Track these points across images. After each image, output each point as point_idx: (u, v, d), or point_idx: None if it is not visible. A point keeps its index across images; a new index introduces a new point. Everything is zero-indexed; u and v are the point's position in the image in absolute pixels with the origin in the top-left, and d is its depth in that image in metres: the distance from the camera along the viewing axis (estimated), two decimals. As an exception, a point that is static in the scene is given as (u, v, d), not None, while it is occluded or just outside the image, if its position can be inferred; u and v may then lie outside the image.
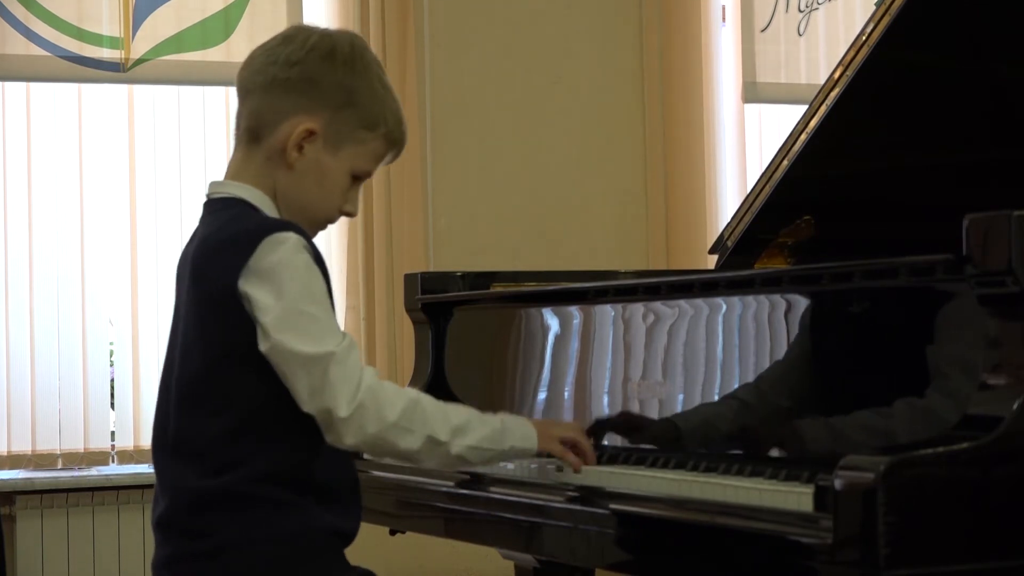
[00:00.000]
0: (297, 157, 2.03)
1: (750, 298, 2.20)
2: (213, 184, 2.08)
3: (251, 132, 2.07)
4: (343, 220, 2.17)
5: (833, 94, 2.68)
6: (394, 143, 2.10)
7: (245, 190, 2.04)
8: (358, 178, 2.09)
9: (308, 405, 1.93)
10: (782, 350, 2.13)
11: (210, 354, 1.97)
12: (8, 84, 4.62)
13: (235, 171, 2.07)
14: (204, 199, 2.09)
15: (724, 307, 2.24)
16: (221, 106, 4.79)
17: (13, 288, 4.61)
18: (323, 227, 2.11)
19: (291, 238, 1.94)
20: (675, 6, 5.18)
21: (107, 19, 4.62)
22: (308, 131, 2.02)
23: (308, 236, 1.97)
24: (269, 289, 1.91)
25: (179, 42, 4.68)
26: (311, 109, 2.03)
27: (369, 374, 1.95)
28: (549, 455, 2.21)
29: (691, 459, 2.17)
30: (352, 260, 4.74)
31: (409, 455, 2.00)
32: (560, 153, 5.11)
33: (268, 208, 2.03)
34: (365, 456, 2.67)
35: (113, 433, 4.69)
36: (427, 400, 2.01)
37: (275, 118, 2.04)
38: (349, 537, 2.03)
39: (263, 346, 1.92)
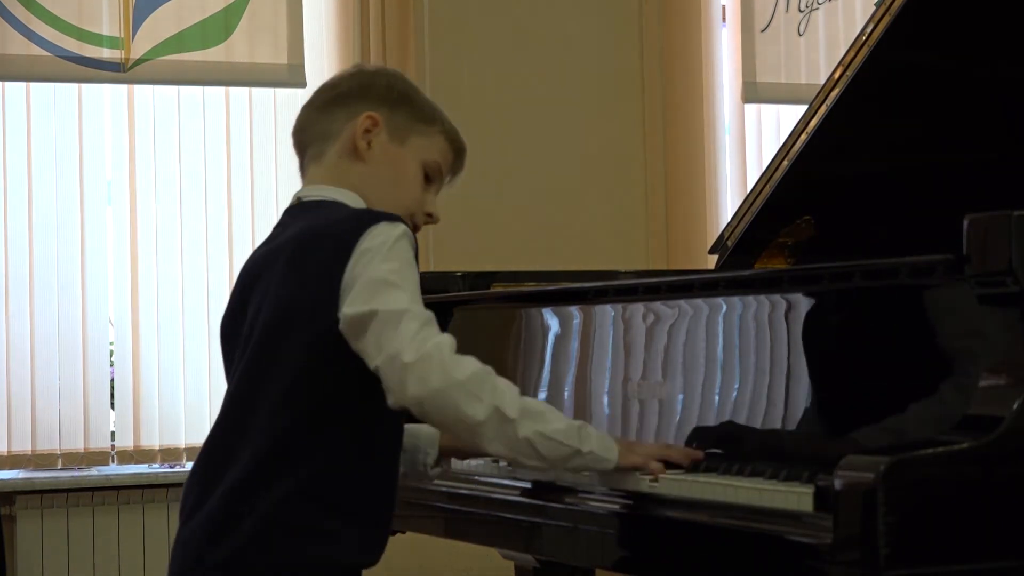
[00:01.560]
0: (366, 148, 2.08)
1: (750, 298, 2.20)
2: (305, 188, 2.11)
3: (318, 150, 2.11)
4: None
5: (833, 94, 2.68)
6: (455, 145, 2.15)
7: (338, 192, 2.07)
8: (430, 178, 2.13)
9: (375, 358, 1.88)
10: (782, 350, 2.13)
11: (307, 338, 1.94)
12: (8, 84, 4.62)
13: (318, 178, 2.10)
14: (294, 201, 2.10)
15: (724, 307, 2.24)
16: (221, 106, 4.79)
17: (13, 288, 4.61)
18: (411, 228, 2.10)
19: (400, 227, 1.96)
20: (675, 6, 5.18)
21: (107, 19, 4.62)
22: (370, 118, 2.07)
23: (408, 230, 1.99)
24: (366, 262, 1.92)
25: (179, 42, 4.68)
26: (368, 107, 2.09)
27: (446, 337, 1.91)
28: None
29: (691, 459, 2.17)
30: (352, 260, 4.74)
31: (473, 425, 1.89)
32: (560, 153, 5.11)
33: (360, 205, 2.06)
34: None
35: (113, 433, 4.69)
36: (502, 379, 1.94)
37: (337, 126, 2.10)
38: (371, 565, 1.99)
39: (340, 311, 1.90)
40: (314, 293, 1.93)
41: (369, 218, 1.97)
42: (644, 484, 2.05)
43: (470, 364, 1.90)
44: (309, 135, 2.13)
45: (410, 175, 2.11)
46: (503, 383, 1.92)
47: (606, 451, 2.00)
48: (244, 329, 2.02)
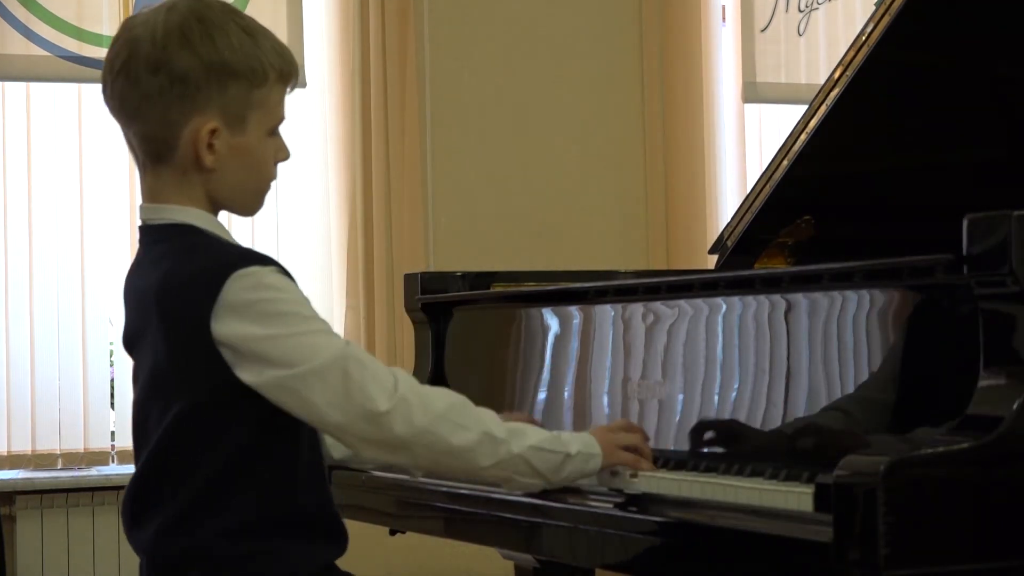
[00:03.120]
0: (213, 158, 1.88)
1: (750, 298, 2.20)
2: (147, 209, 1.93)
3: (152, 154, 1.91)
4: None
5: (833, 94, 2.68)
6: (288, 77, 1.95)
7: (185, 212, 1.90)
8: (276, 130, 1.97)
9: (332, 416, 1.81)
10: (782, 350, 2.13)
11: (192, 399, 1.84)
12: (8, 84, 4.62)
13: (160, 192, 1.91)
14: (140, 223, 1.95)
15: (724, 307, 2.24)
16: (221, 106, 4.79)
17: (13, 288, 4.61)
18: (268, 191, 2.00)
19: (256, 272, 1.82)
20: (675, 6, 5.18)
21: (107, 19, 4.62)
22: (212, 131, 1.87)
23: (272, 260, 1.86)
24: (251, 320, 1.80)
25: (179, 42, 4.68)
26: (200, 106, 1.86)
27: (402, 371, 1.87)
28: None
29: (691, 459, 2.17)
30: (352, 260, 4.74)
31: (464, 453, 1.89)
32: (560, 153, 5.11)
33: (213, 226, 1.91)
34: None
35: (113, 433, 4.69)
36: (472, 404, 1.92)
37: (170, 132, 1.87)
38: (341, 553, 1.95)
39: (256, 378, 1.80)
40: (193, 355, 1.82)
41: (224, 267, 1.82)
42: (625, 480, 2.07)
43: (442, 394, 1.90)
44: (132, 128, 1.90)
45: (259, 154, 1.93)
46: (478, 408, 1.94)
47: (589, 447, 2.03)
48: (143, 375, 1.91)
